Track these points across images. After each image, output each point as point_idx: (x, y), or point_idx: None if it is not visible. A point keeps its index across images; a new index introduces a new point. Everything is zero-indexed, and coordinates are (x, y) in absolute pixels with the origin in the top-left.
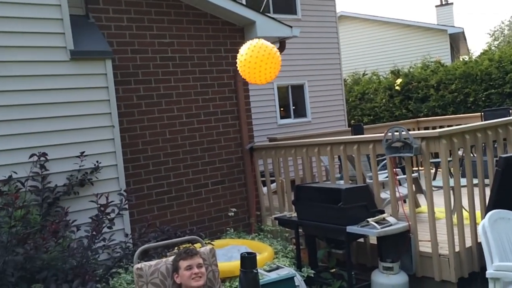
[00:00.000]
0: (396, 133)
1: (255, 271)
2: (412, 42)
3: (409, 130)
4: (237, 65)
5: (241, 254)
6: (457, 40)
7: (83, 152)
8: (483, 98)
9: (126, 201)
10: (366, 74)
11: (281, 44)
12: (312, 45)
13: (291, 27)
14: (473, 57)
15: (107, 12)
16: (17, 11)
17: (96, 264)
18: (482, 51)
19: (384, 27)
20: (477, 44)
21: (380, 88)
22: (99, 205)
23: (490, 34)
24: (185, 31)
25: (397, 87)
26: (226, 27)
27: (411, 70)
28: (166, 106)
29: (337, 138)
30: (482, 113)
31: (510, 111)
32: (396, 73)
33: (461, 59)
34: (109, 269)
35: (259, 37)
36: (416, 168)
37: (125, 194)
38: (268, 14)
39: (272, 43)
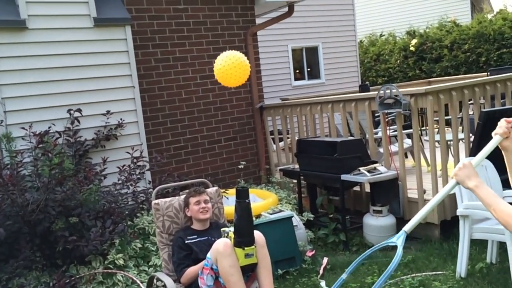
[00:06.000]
0: (387, 91)
1: (247, 201)
2: (432, 0)
3: None
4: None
5: (236, 187)
6: None
7: (109, 110)
8: (494, 58)
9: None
10: (383, 35)
11: (290, 8)
12: (327, 7)
13: None
14: (489, 16)
15: None
16: None
17: (123, 207)
18: (497, 10)
19: None
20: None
21: (395, 49)
22: (132, 157)
23: None
24: None
25: (411, 48)
26: None
27: (427, 30)
28: (182, 68)
29: (337, 97)
30: (488, 72)
31: None
32: (411, 34)
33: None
34: (133, 210)
35: (267, 2)
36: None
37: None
38: None
39: (281, 7)
